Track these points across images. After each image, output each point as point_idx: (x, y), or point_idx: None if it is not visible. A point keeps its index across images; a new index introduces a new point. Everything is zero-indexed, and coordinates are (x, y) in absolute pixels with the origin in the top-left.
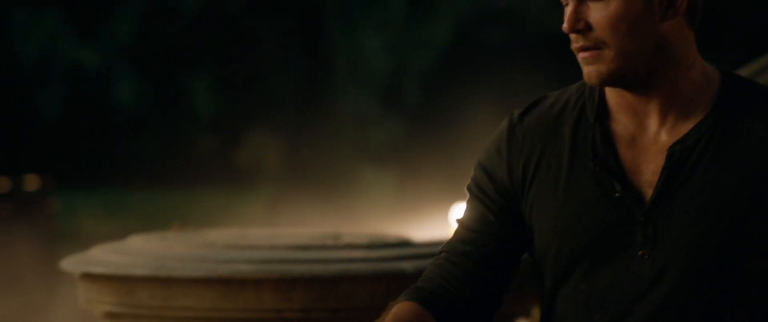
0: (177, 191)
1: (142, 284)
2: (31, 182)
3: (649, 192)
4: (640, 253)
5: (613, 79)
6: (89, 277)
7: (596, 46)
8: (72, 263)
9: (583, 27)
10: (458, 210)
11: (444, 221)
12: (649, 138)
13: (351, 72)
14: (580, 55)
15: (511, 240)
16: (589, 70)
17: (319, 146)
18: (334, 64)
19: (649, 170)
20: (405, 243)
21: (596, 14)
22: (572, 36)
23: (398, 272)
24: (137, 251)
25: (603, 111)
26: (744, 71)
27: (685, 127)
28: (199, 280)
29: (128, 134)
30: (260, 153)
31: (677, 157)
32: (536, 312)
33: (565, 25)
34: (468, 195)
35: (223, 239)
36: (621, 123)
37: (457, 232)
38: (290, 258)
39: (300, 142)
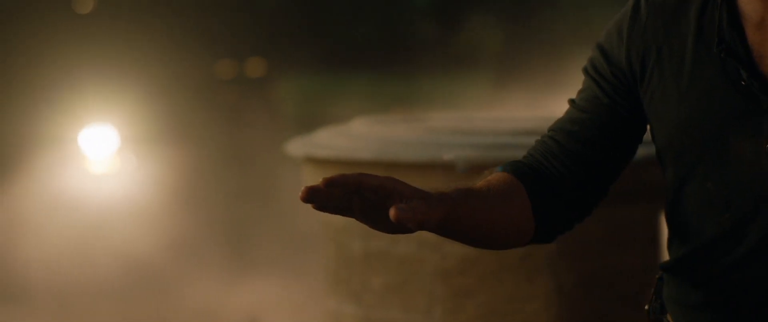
0: (398, 75)
1: (365, 167)
2: (256, 67)
3: None
4: (767, 146)
5: None
6: (313, 160)
7: None
8: (297, 147)
9: None
10: None
11: None
12: None
13: None
14: None
15: (623, 127)
16: None
17: (540, 31)
18: None
19: None
20: None
21: None
22: None
23: None
24: (361, 135)
25: None
26: None
27: None
28: (423, 165)
29: (350, 18)
30: (481, 38)
31: None
32: None
33: None
34: (583, 76)
35: (447, 124)
36: (749, 4)
37: (567, 112)
38: (514, 143)
39: (521, 27)
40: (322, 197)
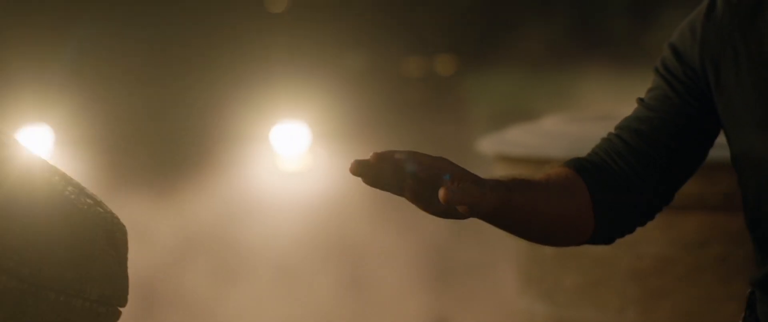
0: (591, 72)
1: None
2: (444, 65)
3: None
4: None
5: None
6: (505, 158)
7: None
8: (488, 144)
9: None
10: None
11: None
12: None
13: None
14: None
15: (694, 129)
16: None
17: None
18: None
19: None
20: None
21: None
22: None
23: None
24: (553, 133)
25: None
26: None
27: None
28: None
29: (542, 14)
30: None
31: None
32: None
33: None
34: (653, 76)
35: None
36: None
37: (635, 110)
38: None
39: None
40: (371, 172)
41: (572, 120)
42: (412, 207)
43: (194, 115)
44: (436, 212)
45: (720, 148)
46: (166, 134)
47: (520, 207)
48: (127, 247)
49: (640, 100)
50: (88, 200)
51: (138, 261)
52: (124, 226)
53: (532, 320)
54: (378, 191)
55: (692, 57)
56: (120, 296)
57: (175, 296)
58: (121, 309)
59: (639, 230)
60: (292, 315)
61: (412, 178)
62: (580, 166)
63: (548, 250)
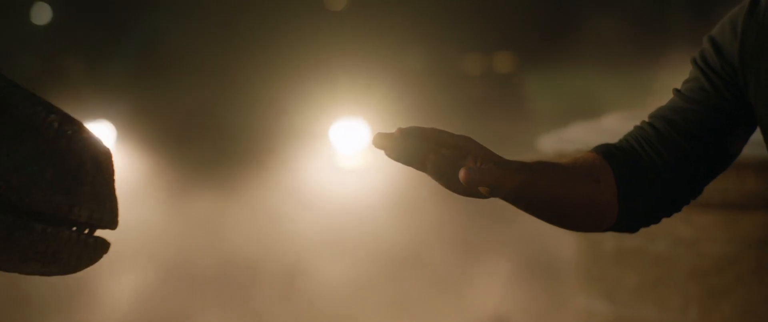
0: (652, 69)
1: None
2: (504, 62)
3: None
4: None
5: None
6: (566, 156)
7: None
8: (548, 142)
9: None
10: None
11: None
12: None
13: None
14: None
15: (728, 124)
16: None
17: None
18: None
19: None
20: None
21: None
22: None
23: None
24: (614, 131)
25: None
26: None
27: None
28: None
29: (600, 11)
30: None
31: None
32: None
33: None
34: (691, 67)
35: None
36: None
37: (670, 100)
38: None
39: None
40: (394, 146)
41: (633, 118)
42: (469, 202)
43: (254, 112)
44: (458, 190)
45: None
46: (226, 131)
47: (542, 190)
48: (113, 169)
49: (676, 91)
50: (74, 127)
51: (207, 257)
52: (109, 149)
53: (592, 319)
54: (439, 191)
55: (731, 53)
56: (110, 218)
57: (255, 291)
58: (109, 241)
59: (700, 228)
60: (368, 307)
61: (435, 154)
62: (608, 152)
63: (609, 248)
